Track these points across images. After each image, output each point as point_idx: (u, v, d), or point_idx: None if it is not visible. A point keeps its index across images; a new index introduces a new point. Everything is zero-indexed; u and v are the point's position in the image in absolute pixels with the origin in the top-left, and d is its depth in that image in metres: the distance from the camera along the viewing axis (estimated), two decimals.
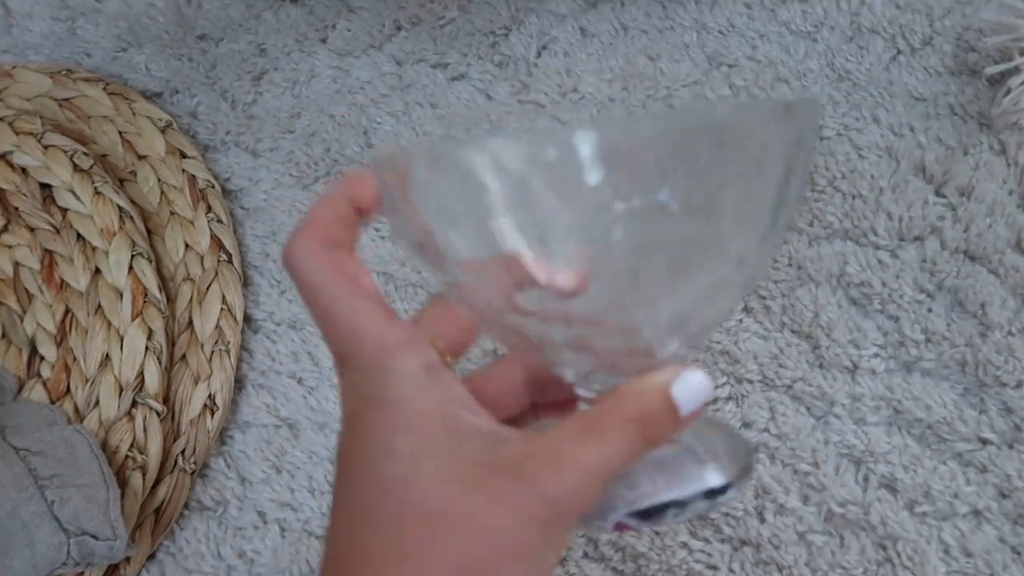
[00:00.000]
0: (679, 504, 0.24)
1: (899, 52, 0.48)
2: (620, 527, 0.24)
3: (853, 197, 0.46)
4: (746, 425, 0.43)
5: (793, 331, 0.44)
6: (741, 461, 0.25)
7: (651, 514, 0.24)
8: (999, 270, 0.43)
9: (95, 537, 0.41)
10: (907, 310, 0.44)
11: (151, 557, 0.46)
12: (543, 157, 0.19)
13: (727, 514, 0.42)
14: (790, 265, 0.45)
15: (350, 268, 0.25)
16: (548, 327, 0.22)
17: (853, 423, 0.43)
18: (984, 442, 0.42)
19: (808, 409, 0.43)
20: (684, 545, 0.42)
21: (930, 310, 0.44)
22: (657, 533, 0.42)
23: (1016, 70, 0.44)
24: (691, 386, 0.23)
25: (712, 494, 0.24)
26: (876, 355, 0.43)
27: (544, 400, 0.28)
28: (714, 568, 0.41)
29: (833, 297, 0.45)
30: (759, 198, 0.21)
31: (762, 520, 0.42)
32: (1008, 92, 0.44)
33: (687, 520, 0.25)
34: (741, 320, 0.45)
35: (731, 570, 0.41)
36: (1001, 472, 0.41)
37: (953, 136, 0.46)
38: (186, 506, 0.47)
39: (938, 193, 0.45)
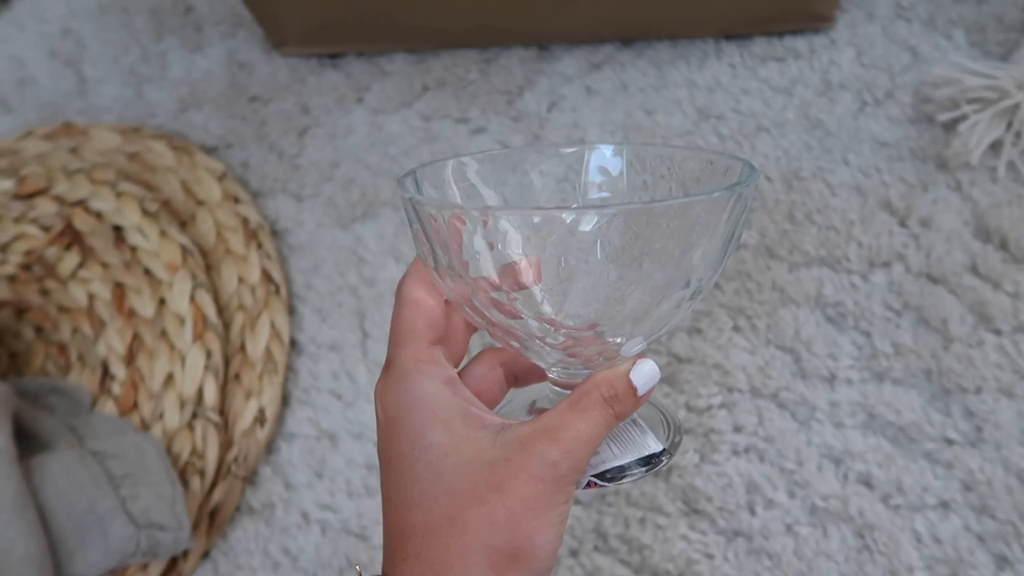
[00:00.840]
0: (630, 465, 0.30)
1: (865, 104, 0.55)
2: (591, 486, 0.30)
3: (827, 229, 0.52)
4: (737, 429, 0.48)
5: (777, 346, 0.50)
6: (673, 432, 0.32)
7: (611, 475, 0.30)
8: (958, 290, 0.49)
9: (162, 528, 0.47)
10: (877, 326, 0.49)
11: (205, 555, 0.51)
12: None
13: (722, 508, 0.47)
14: (773, 289, 0.51)
15: (430, 304, 0.30)
16: (545, 345, 0.29)
17: (832, 426, 0.48)
18: (949, 442, 0.47)
19: (792, 414, 0.49)
20: (684, 537, 0.47)
21: (898, 326, 0.49)
22: (659, 527, 0.47)
23: (964, 117, 0.51)
24: (645, 372, 0.30)
25: (653, 458, 0.31)
26: (851, 366, 0.49)
27: (520, 385, 0.35)
28: (710, 557, 0.46)
29: (812, 316, 0.50)
30: (715, 247, 0.27)
31: (753, 513, 0.47)
32: (959, 136, 0.51)
33: (639, 478, 0.32)
34: (731, 337, 0.51)
35: (726, 558, 0.46)
36: (965, 468, 0.46)
37: (914, 175, 0.52)
38: (237, 509, 0.52)
39: (902, 225, 0.51)
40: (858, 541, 0.45)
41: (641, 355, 0.30)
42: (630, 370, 0.29)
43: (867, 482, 0.47)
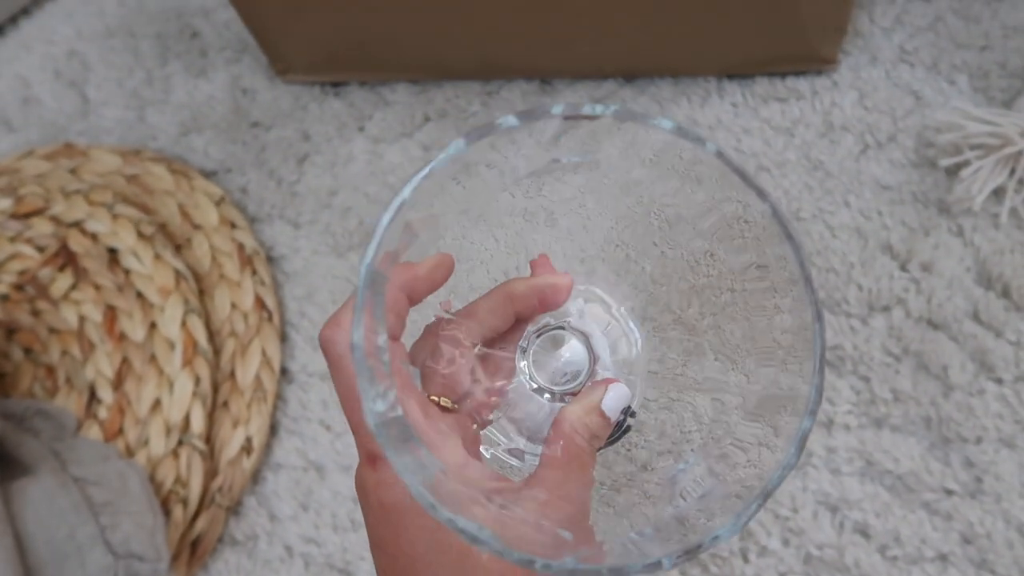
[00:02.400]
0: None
1: (867, 147, 0.55)
2: None
3: (827, 271, 0.51)
4: None
5: None
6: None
7: None
8: (958, 337, 0.48)
9: (140, 559, 0.45)
10: (876, 372, 0.49)
11: None
12: None
13: (714, 555, 0.46)
14: None
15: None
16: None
17: (829, 473, 0.47)
18: (949, 492, 0.46)
19: None
20: None
21: (897, 372, 0.48)
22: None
23: (967, 162, 0.51)
24: (616, 399, 0.28)
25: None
26: (849, 412, 0.48)
27: None
28: None
29: None
30: None
31: (746, 561, 0.46)
32: (961, 181, 0.50)
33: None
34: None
35: None
36: (964, 520, 0.45)
37: (915, 219, 0.52)
38: (220, 540, 0.51)
39: (903, 269, 0.51)
40: None
41: (610, 378, 0.29)
42: (601, 401, 0.27)
43: (864, 531, 0.45)
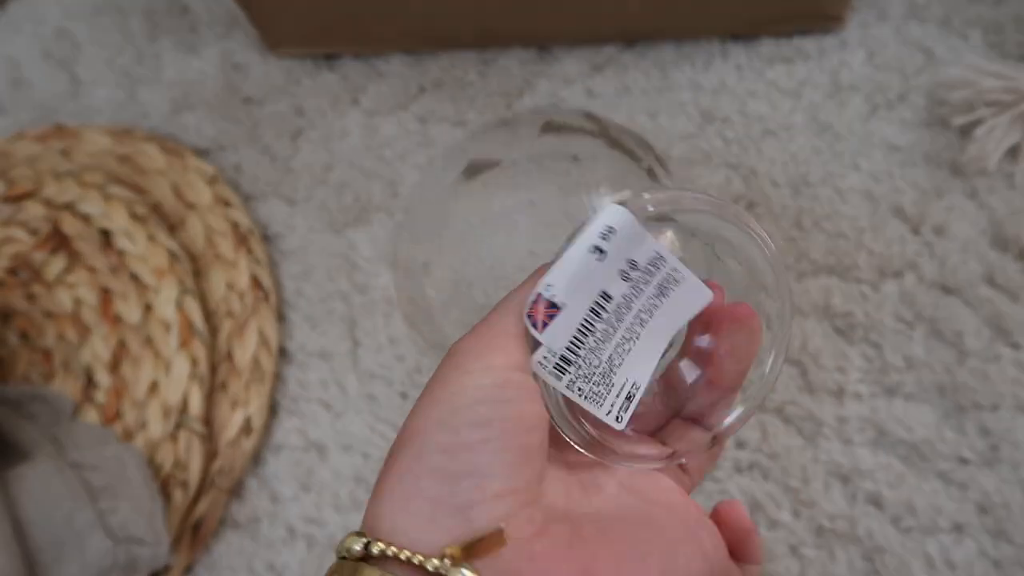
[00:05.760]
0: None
1: (877, 107, 0.53)
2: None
3: (836, 236, 0.50)
4: (740, 445, 0.46)
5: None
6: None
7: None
8: (973, 302, 0.47)
9: (140, 543, 0.45)
10: (888, 339, 0.47)
11: (188, 570, 0.50)
12: None
13: None
14: None
15: None
16: None
17: (840, 443, 0.46)
18: (964, 461, 0.44)
19: (798, 430, 0.46)
20: None
21: (910, 339, 0.47)
22: None
23: (981, 120, 0.49)
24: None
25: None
26: (860, 380, 0.47)
27: None
28: None
29: (820, 327, 0.48)
30: None
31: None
32: (975, 140, 0.49)
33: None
34: None
35: None
36: (980, 489, 0.43)
37: (928, 181, 0.50)
38: (221, 522, 0.50)
39: (915, 232, 0.49)
40: (866, 565, 0.43)
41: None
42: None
43: (877, 502, 0.44)
